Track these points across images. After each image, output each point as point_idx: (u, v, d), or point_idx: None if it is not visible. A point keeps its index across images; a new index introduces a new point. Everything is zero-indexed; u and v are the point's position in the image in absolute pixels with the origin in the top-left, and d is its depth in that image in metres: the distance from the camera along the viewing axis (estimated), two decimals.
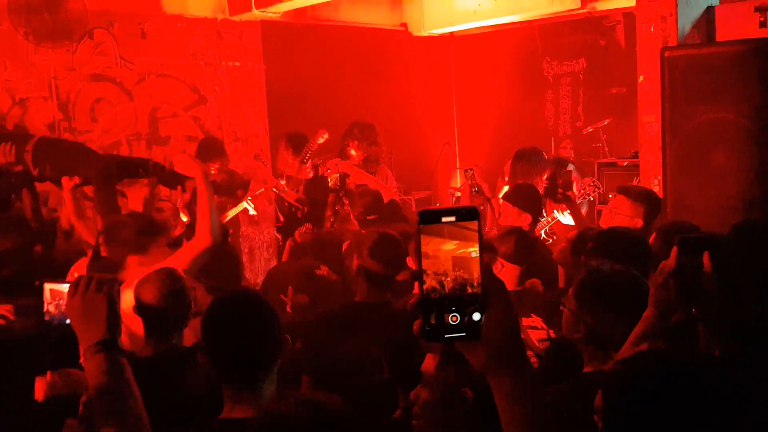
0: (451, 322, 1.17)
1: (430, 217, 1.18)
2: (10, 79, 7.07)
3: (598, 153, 8.23)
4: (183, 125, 8.30)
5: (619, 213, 4.55)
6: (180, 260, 3.52)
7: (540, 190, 5.37)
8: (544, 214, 5.61)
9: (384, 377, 2.81)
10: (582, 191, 6.19)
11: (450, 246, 1.17)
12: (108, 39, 7.68)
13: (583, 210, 5.98)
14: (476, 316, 1.17)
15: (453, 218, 1.17)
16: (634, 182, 6.64)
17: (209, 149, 7.21)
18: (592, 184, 6.30)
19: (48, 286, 1.99)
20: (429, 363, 2.08)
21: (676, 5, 5.45)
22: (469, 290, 1.17)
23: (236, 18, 8.49)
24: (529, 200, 5.09)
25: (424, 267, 1.17)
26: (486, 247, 1.22)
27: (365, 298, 3.59)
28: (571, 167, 6.64)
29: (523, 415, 1.23)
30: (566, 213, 5.47)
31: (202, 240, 3.66)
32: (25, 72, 7.16)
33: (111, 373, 1.74)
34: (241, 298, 2.45)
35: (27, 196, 4.72)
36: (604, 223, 4.78)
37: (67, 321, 1.86)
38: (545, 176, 5.77)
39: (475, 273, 1.17)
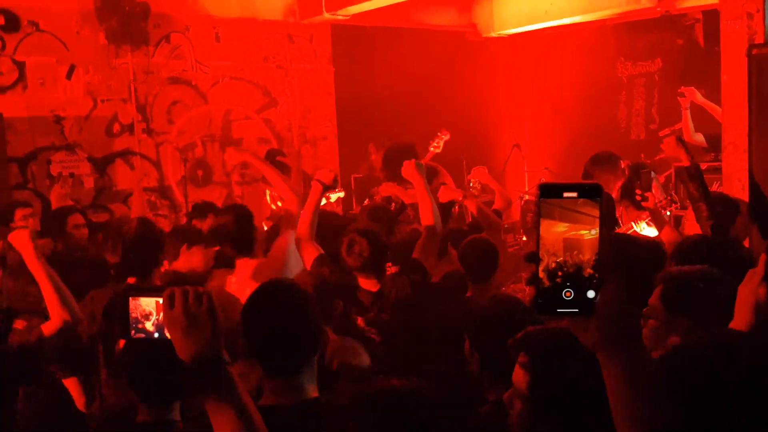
0: (564, 297, 1.17)
1: (551, 192, 1.17)
2: (91, 82, 7.27)
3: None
4: (255, 127, 8.41)
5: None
6: None
7: (614, 194, 5.20)
8: (620, 224, 5.40)
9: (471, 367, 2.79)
10: (658, 203, 5.90)
11: (562, 228, 1.17)
12: (184, 43, 7.83)
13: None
14: (591, 294, 1.17)
15: (575, 194, 1.16)
16: (715, 186, 6.46)
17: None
18: (668, 197, 6.05)
19: (132, 299, 1.79)
20: (519, 375, 2.03)
21: (764, 1, 5.26)
22: (585, 268, 1.16)
23: (307, 21, 8.57)
24: None
25: (540, 244, 1.17)
26: None
27: None
28: (652, 175, 6.32)
29: (632, 393, 1.22)
30: (645, 224, 5.25)
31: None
32: (105, 75, 7.35)
33: (221, 386, 1.67)
34: (279, 287, 2.42)
35: None
36: (689, 230, 4.63)
37: (156, 335, 1.78)
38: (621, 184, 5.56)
39: (591, 251, 1.16)
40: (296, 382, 2.22)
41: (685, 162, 4.32)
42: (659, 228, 4.95)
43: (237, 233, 4.15)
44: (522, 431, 1.98)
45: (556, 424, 1.88)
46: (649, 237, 4.34)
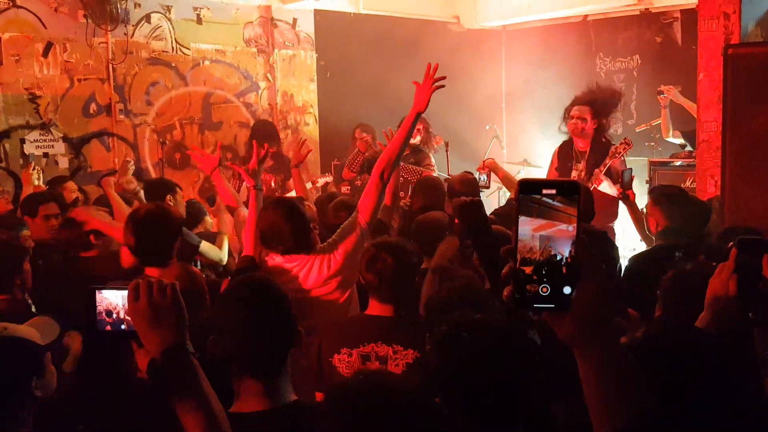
0: (541, 292, 1.19)
1: (529, 188, 1.18)
2: (69, 60, 7.20)
3: (651, 152, 8.10)
4: (235, 111, 8.38)
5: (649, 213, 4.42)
6: None
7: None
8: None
9: None
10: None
11: (540, 224, 1.18)
12: (165, 23, 7.77)
13: None
14: (567, 290, 1.19)
15: (554, 191, 1.18)
16: (688, 183, 6.53)
17: (264, 131, 7.38)
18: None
19: (98, 292, 1.81)
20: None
21: (740, 2, 5.32)
22: (562, 264, 1.18)
23: (290, 6, 8.53)
24: None
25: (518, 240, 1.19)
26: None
27: None
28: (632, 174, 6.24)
29: (606, 388, 1.24)
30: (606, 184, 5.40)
31: None
32: (83, 54, 7.28)
33: (186, 377, 1.69)
34: (256, 283, 2.34)
35: None
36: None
37: (122, 327, 1.80)
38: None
39: (568, 247, 1.18)
40: (276, 384, 2.15)
41: None
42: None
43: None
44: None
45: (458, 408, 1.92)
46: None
